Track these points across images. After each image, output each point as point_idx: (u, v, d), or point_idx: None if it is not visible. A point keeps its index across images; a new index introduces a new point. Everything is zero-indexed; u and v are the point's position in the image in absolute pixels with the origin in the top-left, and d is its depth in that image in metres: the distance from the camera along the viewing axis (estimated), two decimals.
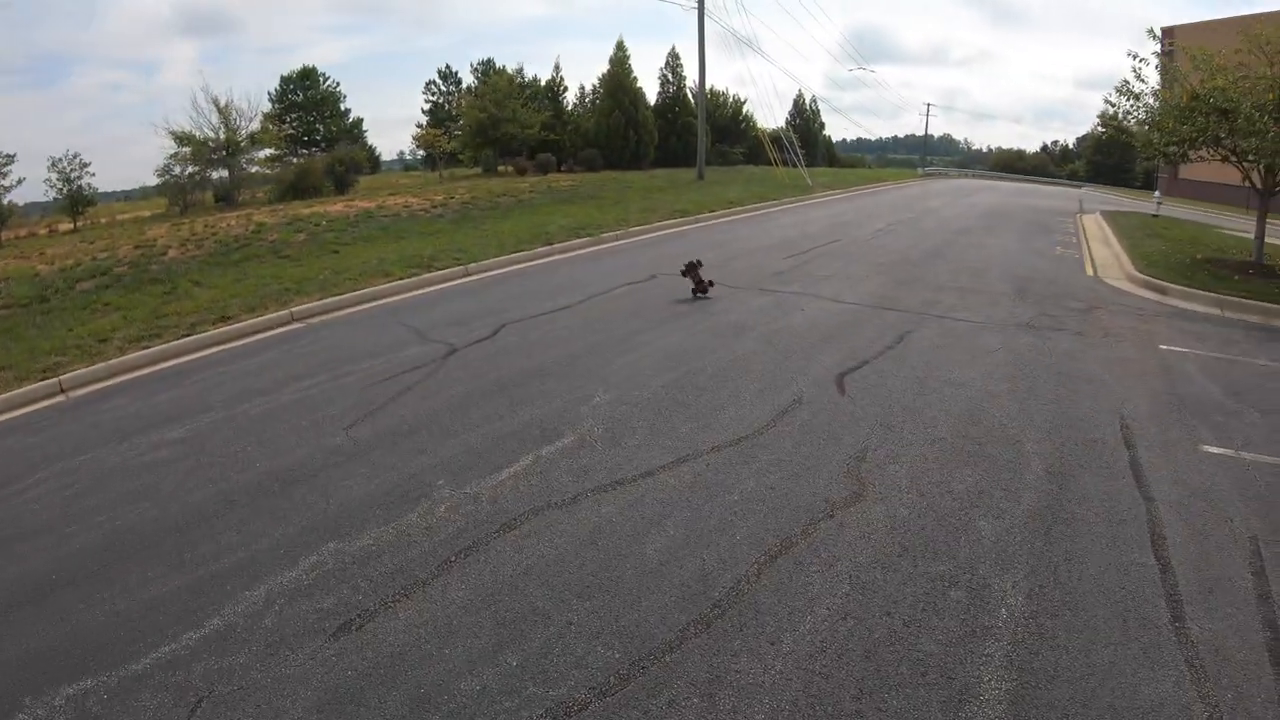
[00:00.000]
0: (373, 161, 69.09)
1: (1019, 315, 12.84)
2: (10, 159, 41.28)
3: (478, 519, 6.18)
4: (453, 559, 5.64)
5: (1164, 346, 11.46)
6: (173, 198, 42.18)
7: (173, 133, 42.63)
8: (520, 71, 61.94)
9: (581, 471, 6.95)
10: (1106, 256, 20.39)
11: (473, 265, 16.80)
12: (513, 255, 18.03)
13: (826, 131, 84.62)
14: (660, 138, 56.91)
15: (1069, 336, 11.65)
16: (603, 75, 57.08)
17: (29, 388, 10.13)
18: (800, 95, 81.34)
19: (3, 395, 9.95)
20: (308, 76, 67.92)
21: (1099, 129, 24.74)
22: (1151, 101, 18.28)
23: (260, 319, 12.89)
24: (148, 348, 11.54)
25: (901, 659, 4.59)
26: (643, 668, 4.50)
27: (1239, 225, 30.05)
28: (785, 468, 7.00)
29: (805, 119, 77.72)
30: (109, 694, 4.46)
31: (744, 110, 69.10)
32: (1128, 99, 18.32)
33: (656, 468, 6.99)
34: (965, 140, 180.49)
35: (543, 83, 62.11)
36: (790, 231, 23.12)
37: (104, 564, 5.83)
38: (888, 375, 9.55)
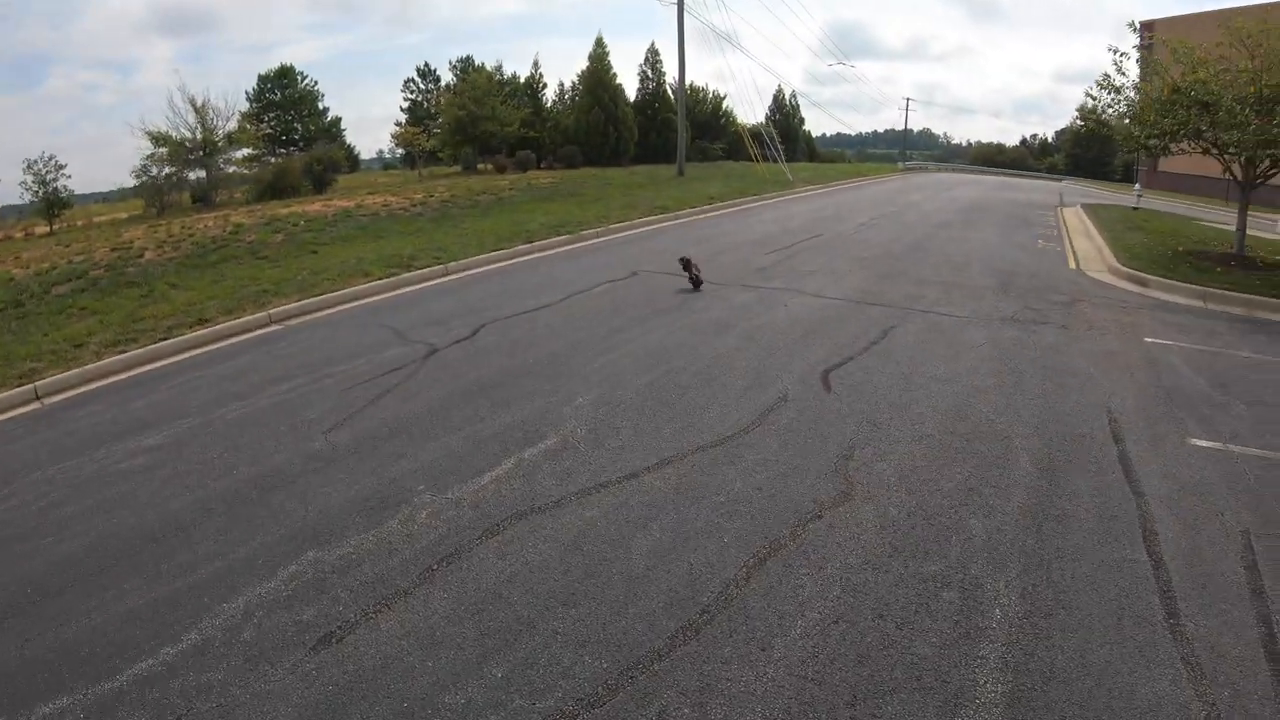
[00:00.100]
0: (351, 160, 68.62)
1: (1003, 309, 12.80)
2: None
3: (460, 525, 6.04)
4: (435, 567, 5.51)
5: (1148, 339, 11.44)
6: (149, 199, 41.71)
7: (149, 133, 42.33)
8: (499, 69, 61.83)
9: (565, 474, 6.82)
10: (1088, 249, 20.41)
11: (452, 264, 16.62)
12: (493, 253, 17.86)
13: (806, 127, 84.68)
14: (640, 134, 56.86)
15: (1053, 330, 11.60)
16: (582, 72, 57.03)
17: (4, 395, 9.90)
18: (780, 91, 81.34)
19: None
20: (285, 75, 67.51)
21: (1078, 122, 24.80)
22: (1133, 95, 18.32)
23: (238, 321, 12.68)
24: (124, 352, 11.32)
25: (895, 663, 4.50)
26: (631, 677, 4.38)
27: (1218, 217, 30.22)
28: (772, 468, 6.89)
29: (785, 114, 77.73)
30: (86, 713, 4.31)
31: (724, 106, 69.13)
32: (1109, 92, 18.35)
33: (641, 469, 6.87)
34: (945, 135, 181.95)
35: (522, 80, 61.92)
36: (772, 227, 23.06)
37: (80, 576, 5.67)
38: (873, 371, 9.47)
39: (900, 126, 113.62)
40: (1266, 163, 16.43)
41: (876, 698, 4.24)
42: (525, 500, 6.38)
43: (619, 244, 20.21)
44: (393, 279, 15.27)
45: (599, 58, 55.08)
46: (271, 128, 64.20)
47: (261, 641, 4.82)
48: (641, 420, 7.97)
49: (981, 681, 4.38)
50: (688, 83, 53.93)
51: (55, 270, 17.60)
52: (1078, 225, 25.88)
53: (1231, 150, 16.39)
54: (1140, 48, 22.74)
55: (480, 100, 52.33)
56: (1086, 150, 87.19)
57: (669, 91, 58.67)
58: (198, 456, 7.64)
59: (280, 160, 49.15)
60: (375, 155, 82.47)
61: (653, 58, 60.39)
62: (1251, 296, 14.47)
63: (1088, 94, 19.11)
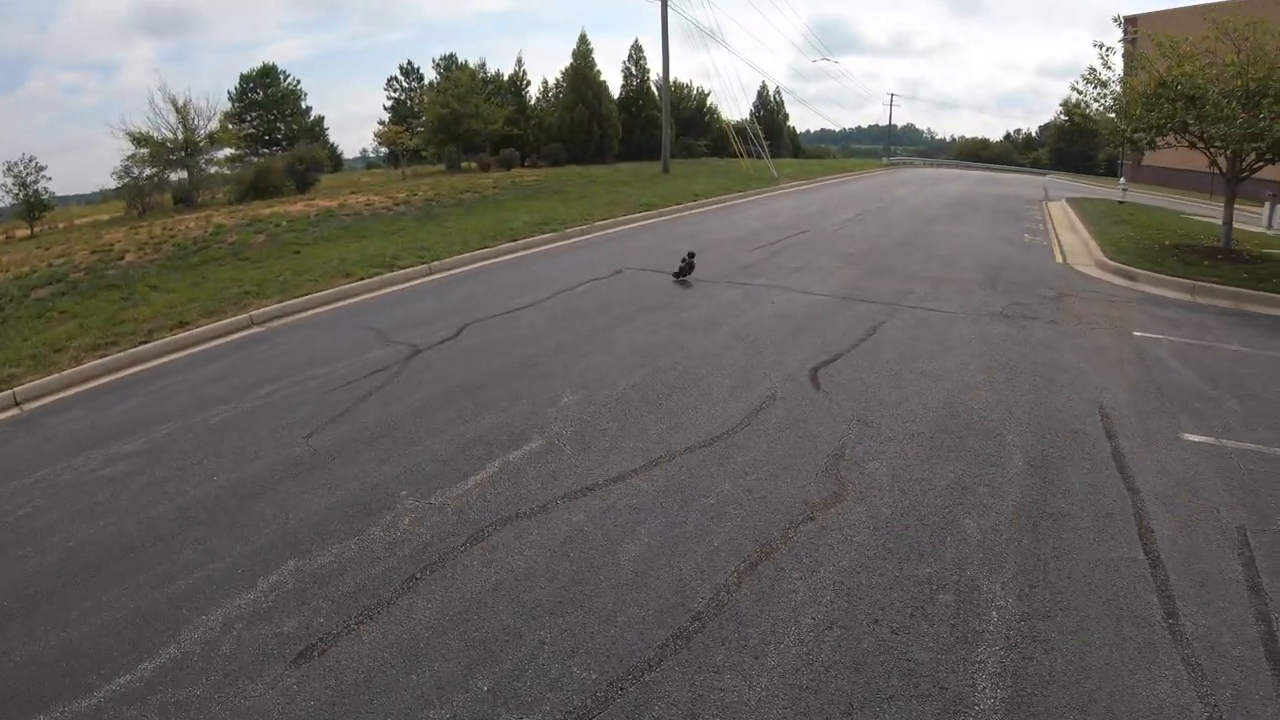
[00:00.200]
0: (335, 160, 68.16)
1: (991, 304, 12.71)
2: None
3: (443, 531, 5.90)
4: (418, 575, 5.36)
5: (1138, 333, 11.37)
6: (131, 200, 41.25)
7: (130, 134, 41.86)
8: (483, 66, 61.39)
9: (550, 477, 6.68)
10: (1075, 243, 20.38)
11: (436, 263, 16.45)
12: (477, 252, 17.70)
13: (791, 123, 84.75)
14: (624, 131, 56.65)
15: (1043, 325, 11.53)
16: (566, 69, 56.71)
17: None
18: (764, 87, 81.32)
19: None
20: (268, 74, 67.08)
21: (1062, 117, 24.87)
22: (1118, 89, 18.30)
23: (219, 323, 12.50)
24: (104, 356, 11.14)
25: (892, 670, 4.39)
26: (621, 689, 4.25)
27: (1204, 210, 30.32)
28: (762, 468, 6.77)
29: (770, 110, 77.70)
30: None
31: (708, 102, 68.93)
32: (1095, 86, 18.32)
33: (628, 472, 6.74)
34: (929, 130, 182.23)
35: (506, 78, 61.57)
36: (757, 223, 22.95)
37: (57, 588, 5.51)
38: (862, 369, 9.36)
39: (884, 122, 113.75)
40: (1252, 156, 16.41)
41: (873, 706, 4.13)
42: (510, 505, 6.24)
43: (604, 241, 20.07)
44: (376, 279, 15.10)
45: (583, 55, 54.84)
46: (254, 127, 63.74)
47: (241, 655, 4.68)
48: (628, 421, 7.84)
49: (980, 687, 4.27)
50: (672, 79, 54.02)
51: (35, 273, 17.36)
52: (1063, 219, 25.85)
53: (1218, 144, 16.36)
54: (1124, 41, 22.75)
55: (464, 98, 51.97)
56: (1070, 145, 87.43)
57: (653, 88, 58.48)
58: (178, 463, 7.48)
59: (263, 160, 48.71)
60: (359, 154, 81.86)
61: (637, 54, 60.21)
62: (1239, 290, 14.44)
63: (1073, 88, 19.10)
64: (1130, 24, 30.40)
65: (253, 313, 13.00)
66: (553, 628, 4.76)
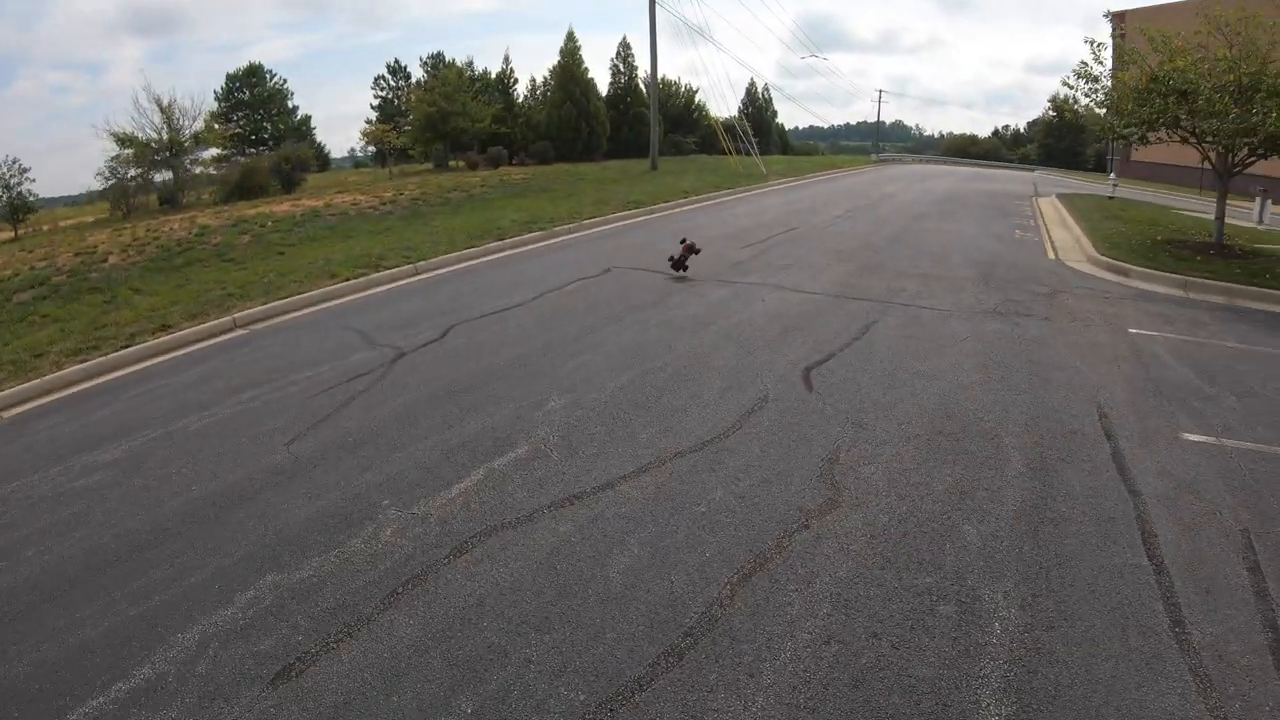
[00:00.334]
0: (322, 159, 67.92)
1: (985, 301, 12.57)
2: None
3: (426, 543, 5.70)
4: (400, 590, 5.16)
5: (1133, 330, 11.25)
6: (115, 202, 40.89)
7: (114, 134, 41.51)
8: (470, 65, 61.20)
9: (537, 485, 6.48)
10: (1066, 239, 20.29)
11: (422, 263, 16.23)
12: (464, 252, 17.48)
13: (780, 120, 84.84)
14: (613, 129, 56.55)
15: (1037, 322, 11.39)
16: (553, 67, 56.64)
17: None
18: (753, 84, 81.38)
19: None
20: (254, 74, 66.68)
21: (1050, 113, 24.86)
22: (1108, 83, 18.23)
23: (202, 326, 12.28)
24: (85, 361, 10.94)
25: (892, 687, 4.21)
26: (610, 710, 4.07)
27: (1194, 206, 30.31)
28: (754, 474, 6.59)
29: (758, 107, 77.71)
30: None
31: (697, 99, 68.88)
32: (1086, 81, 18.24)
33: (617, 478, 6.55)
34: (917, 126, 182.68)
35: (493, 76, 61.36)
36: (746, 220, 22.76)
37: (31, 605, 5.32)
38: (856, 369, 9.19)
39: (873, 118, 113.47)
40: (1244, 151, 16.35)
41: None
42: (495, 514, 6.04)
43: (592, 240, 19.88)
44: (361, 280, 14.89)
45: (570, 52, 54.72)
46: (240, 127, 63.38)
47: (217, 675, 4.49)
48: (617, 425, 7.65)
49: (984, 704, 4.12)
50: (660, 76, 53.70)
51: (17, 277, 17.08)
52: (1054, 215, 25.78)
53: (1210, 139, 16.29)
54: (1114, 35, 22.70)
55: (451, 96, 51.75)
56: (1059, 140, 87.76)
57: (641, 85, 58.39)
58: (157, 471, 7.27)
59: (249, 160, 48.36)
60: (347, 154, 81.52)
61: (624, 51, 60.13)
62: (1232, 285, 14.37)
63: (1065, 83, 19.04)
64: (1119, 21, 30.25)
65: (236, 315, 12.79)
66: (539, 645, 4.57)
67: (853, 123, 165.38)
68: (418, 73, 66.62)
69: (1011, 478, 6.56)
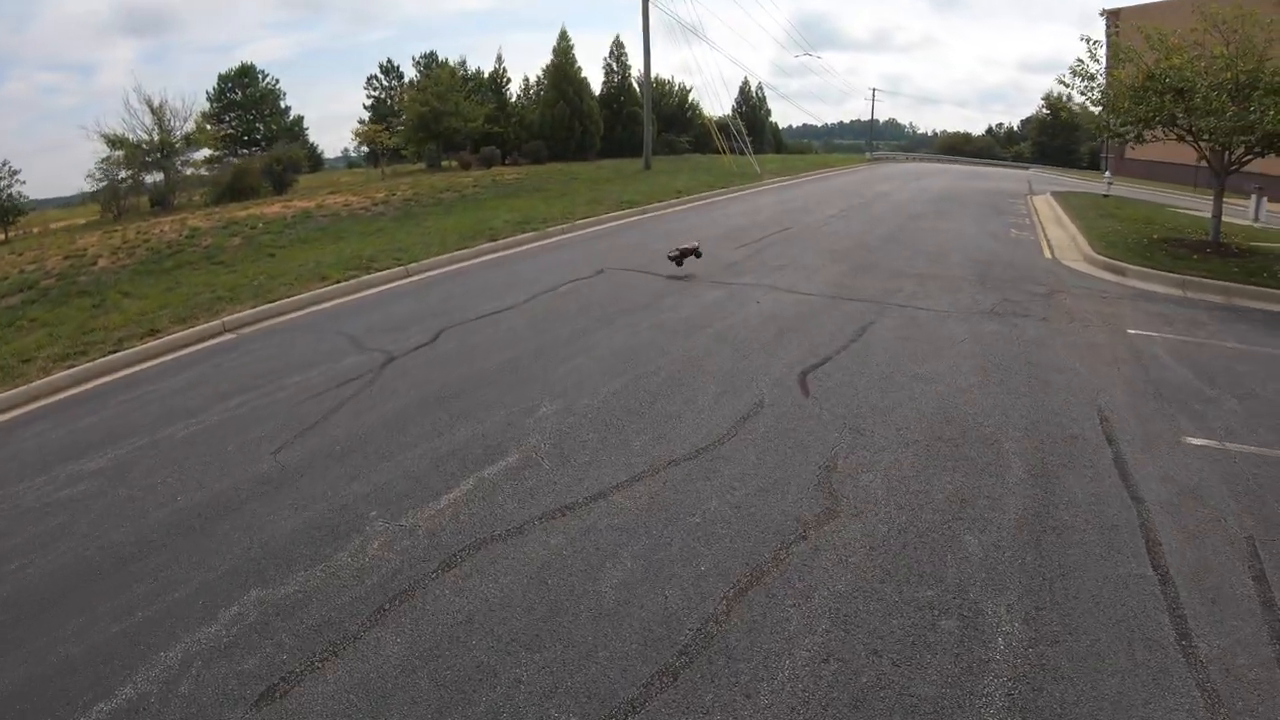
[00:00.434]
0: (314, 159, 67.68)
1: (982, 302, 12.45)
2: None
3: (414, 556, 5.55)
4: (387, 606, 5.01)
5: (1131, 330, 11.14)
6: (106, 204, 40.65)
7: (104, 136, 41.17)
8: (463, 64, 61.05)
9: (527, 495, 6.33)
10: (1062, 238, 20.18)
11: (414, 265, 16.07)
12: (456, 253, 17.32)
13: (773, 118, 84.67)
14: (606, 128, 56.45)
15: (1035, 323, 11.27)
16: (546, 66, 56.48)
17: None
18: (746, 82, 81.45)
19: None
20: (246, 74, 66.54)
21: (1044, 111, 24.80)
22: (1102, 81, 18.15)
23: (191, 331, 12.12)
24: (73, 366, 10.77)
25: (894, 707, 4.08)
26: None
27: (1190, 204, 30.24)
28: (750, 482, 6.45)
29: (752, 106, 77.53)
30: None
31: (690, 98, 68.74)
32: (1082, 80, 18.16)
33: (609, 488, 6.40)
34: (911, 124, 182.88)
35: (486, 75, 61.23)
36: (740, 220, 22.62)
37: (11, 622, 5.17)
38: (853, 372, 9.06)
39: (866, 117, 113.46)
40: (1241, 149, 16.27)
41: None
42: (485, 526, 5.89)
43: (585, 240, 19.72)
44: (352, 282, 14.74)
45: (563, 51, 54.57)
46: (232, 128, 63.14)
47: (200, 696, 4.35)
48: (609, 432, 7.50)
49: None
50: (654, 75, 53.77)
51: (6, 280, 16.98)
52: (1049, 213, 25.68)
53: (1206, 137, 16.19)
54: (1108, 34, 22.63)
55: (444, 96, 51.58)
56: (1053, 138, 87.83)
57: (635, 84, 58.31)
58: (142, 481, 7.12)
59: (240, 161, 48.15)
60: (340, 154, 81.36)
61: (618, 50, 60.03)
62: (1230, 284, 14.28)
63: (1061, 81, 18.98)
64: (1113, 18, 30.16)
65: (225, 319, 12.63)
66: (529, 665, 4.43)
67: (846, 121, 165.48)
68: (411, 72, 66.71)
69: (1013, 485, 6.44)
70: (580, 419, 7.82)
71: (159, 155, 42.69)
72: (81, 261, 18.25)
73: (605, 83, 60.24)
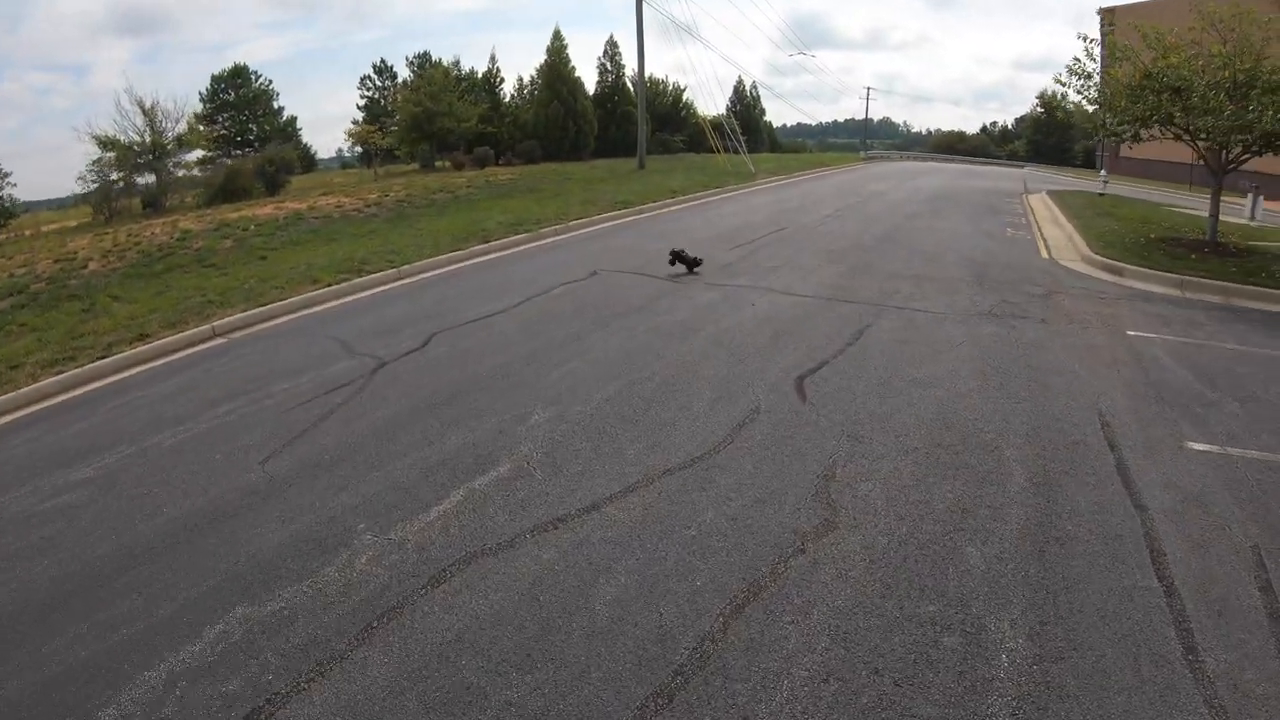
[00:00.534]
0: (307, 160, 67.56)
1: (979, 303, 12.34)
2: None
3: (403, 571, 5.41)
4: (375, 624, 4.88)
5: (1130, 332, 11.05)
6: (97, 206, 40.40)
7: (96, 137, 40.99)
8: (456, 64, 61.06)
9: (519, 507, 6.19)
10: (1059, 237, 20.10)
11: (406, 267, 15.93)
12: (448, 255, 17.18)
13: (768, 118, 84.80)
14: (600, 128, 56.44)
15: (1033, 325, 11.17)
16: (540, 66, 56.57)
17: None
18: (741, 82, 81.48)
19: None
20: (239, 75, 66.41)
21: (1038, 109, 24.77)
22: (1098, 80, 18.09)
23: (180, 335, 11.96)
24: (61, 372, 10.61)
25: None
26: None
27: (1186, 202, 30.21)
28: (747, 493, 6.31)
29: (746, 105, 77.69)
30: None
31: (684, 98, 68.90)
32: (1079, 79, 18.08)
33: (602, 499, 6.26)
34: (905, 123, 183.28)
35: (479, 75, 61.14)
36: (735, 220, 22.51)
37: None
38: (850, 376, 8.94)
39: (861, 115, 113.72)
40: (1239, 149, 16.19)
41: None
42: (475, 539, 5.75)
43: (579, 241, 19.58)
44: (343, 285, 14.59)
45: (557, 51, 54.54)
46: (226, 129, 63.03)
47: (184, 719, 4.20)
48: (602, 440, 7.36)
49: None
50: (648, 75, 53.44)
51: None
52: (1045, 212, 25.63)
53: (1204, 136, 16.11)
54: (1103, 31, 22.55)
55: (437, 96, 51.51)
56: (1047, 136, 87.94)
57: (629, 84, 58.31)
58: (128, 492, 6.97)
59: (233, 162, 47.96)
60: (335, 154, 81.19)
61: (611, 50, 60.08)
62: (1228, 284, 14.21)
63: (1058, 80, 18.90)
64: (1107, 17, 30.09)
65: (215, 323, 12.47)
66: (520, 686, 4.29)
67: (841, 120, 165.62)
68: (404, 72, 66.50)
69: (1014, 494, 6.32)
70: (573, 426, 7.69)
71: (150, 157, 42.53)
72: (72, 265, 18.05)
73: (599, 82, 60.32)
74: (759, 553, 5.48)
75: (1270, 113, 14.19)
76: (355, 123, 63.58)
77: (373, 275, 15.24)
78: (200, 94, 64.39)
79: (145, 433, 8.36)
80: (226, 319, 12.67)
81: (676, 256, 14.59)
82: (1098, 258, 16.27)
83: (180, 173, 45.25)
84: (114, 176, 41.53)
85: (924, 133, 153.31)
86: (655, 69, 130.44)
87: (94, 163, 40.95)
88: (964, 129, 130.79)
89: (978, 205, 27.88)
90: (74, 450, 8.10)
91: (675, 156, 52.82)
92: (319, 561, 5.61)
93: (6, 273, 17.98)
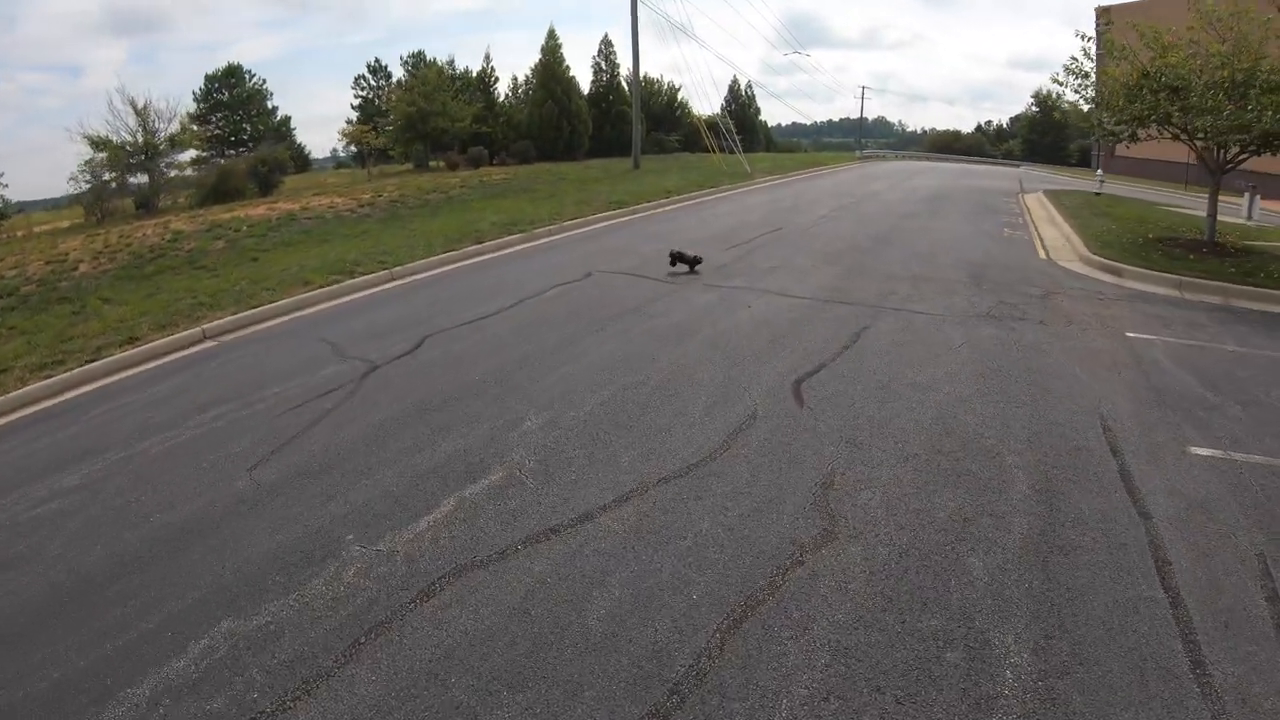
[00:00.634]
0: (301, 160, 67.28)
1: (978, 305, 12.23)
2: None
3: (392, 584, 5.27)
4: (362, 640, 4.74)
5: (1130, 334, 10.94)
6: (89, 206, 40.15)
7: (88, 137, 40.69)
8: (451, 63, 60.75)
9: (510, 517, 6.05)
10: (1056, 238, 20.01)
11: (398, 269, 15.78)
12: (441, 256, 17.03)
13: (763, 117, 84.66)
14: (595, 127, 56.20)
15: (1032, 326, 11.06)
16: (535, 65, 56.31)
17: None
18: (736, 81, 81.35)
19: None
20: (233, 74, 66.21)
21: (1033, 109, 24.71)
22: (1094, 78, 18.02)
23: (170, 338, 11.81)
24: (50, 376, 10.46)
25: None
26: None
27: (1182, 202, 30.16)
28: (743, 501, 6.19)
29: (741, 105, 77.46)
30: None
31: (679, 97, 68.75)
32: (1077, 78, 17.99)
33: (596, 509, 6.13)
34: (900, 122, 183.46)
35: (474, 75, 60.87)
36: (730, 220, 22.39)
37: None
38: (848, 380, 8.81)
39: (856, 115, 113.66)
40: (1236, 148, 16.10)
41: None
42: (466, 551, 5.62)
43: (573, 242, 19.43)
44: (335, 286, 14.44)
45: (551, 50, 54.28)
46: (219, 129, 62.78)
47: None
48: (596, 447, 7.23)
49: None
50: (643, 74, 53.59)
51: None
52: (1041, 212, 25.54)
53: (1202, 136, 16.02)
54: (1099, 29, 22.46)
55: (431, 96, 51.25)
56: (1042, 136, 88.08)
57: (623, 83, 58.07)
58: (115, 500, 6.83)
59: (226, 162, 47.73)
60: (329, 154, 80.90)
61: (606, 49, 59.81)
62: (1228, 285, 14.12)
63: (1055, 79, 18.82)
64: (1103, 16, 30.01)
65: (206, 326, 12.33)
66: (511, 705, 4.16)
67: (836, 119, 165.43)
68: (398, 72, 66.31)
69: (1017, 501, 6.20)
70: (566, 433, 7.55)
71: (143, 157, 42.20)
72: (63, 266, 17.92)
73: (594, 82, 60.06)
74: (756, 564, 5.36)
75: (1270, 112, 14.10)
76: (349, 122, 63.40)
77: (365, 277, 15.09)
78: (194, 93, 64.32)
79: (134, 439, 8.23)
80: (217, 321, 12.53)
81: (677, 257, 14.55)
82: (1096, 258, 16.17)
83: (173, 173, 44.89)
84: (106, 177, 41.22)
85: (919, 132, 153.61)
86: (650, 68, 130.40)
87: (86, 163, 40.63)
88: (959, 128, 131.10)
89: (974, 205, 27.79)
90: (62, 457, 7.96)
91: (670, 156, 52.71)
92: (306, 573, 5.48)
93: None
